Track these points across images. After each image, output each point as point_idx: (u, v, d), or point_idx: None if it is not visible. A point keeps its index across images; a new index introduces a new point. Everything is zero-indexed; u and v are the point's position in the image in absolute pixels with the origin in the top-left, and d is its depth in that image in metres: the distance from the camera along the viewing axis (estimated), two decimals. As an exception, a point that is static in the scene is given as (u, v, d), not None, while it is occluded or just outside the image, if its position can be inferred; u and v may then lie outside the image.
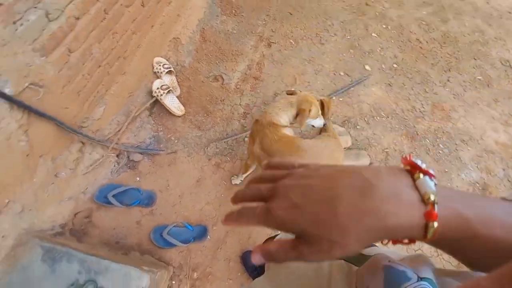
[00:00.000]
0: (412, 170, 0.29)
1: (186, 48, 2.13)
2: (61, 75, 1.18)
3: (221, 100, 2.03)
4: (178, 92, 1.95)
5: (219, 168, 1.75)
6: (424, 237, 0.27)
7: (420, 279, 0.32)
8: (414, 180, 0.29)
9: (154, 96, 1.82)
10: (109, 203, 1.45)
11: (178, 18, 2.14)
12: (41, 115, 1.11)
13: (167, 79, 1.91)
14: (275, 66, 2.25)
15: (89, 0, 1.22)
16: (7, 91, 0.94)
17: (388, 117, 2.11)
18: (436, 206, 0.26)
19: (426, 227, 0.26)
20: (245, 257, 1.50)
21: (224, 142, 1.83)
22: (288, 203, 0.29)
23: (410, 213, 0.26)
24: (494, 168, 1.97)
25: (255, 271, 1.41)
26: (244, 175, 1.65)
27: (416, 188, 0.28)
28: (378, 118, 2.09)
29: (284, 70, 2.24)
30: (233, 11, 2.48)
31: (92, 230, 1.42)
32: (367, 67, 2.32)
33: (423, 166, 0.29)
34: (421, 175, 0.28)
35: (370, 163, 1.90)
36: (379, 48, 2.45)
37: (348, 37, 2.49)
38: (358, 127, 2.04)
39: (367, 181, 0.28)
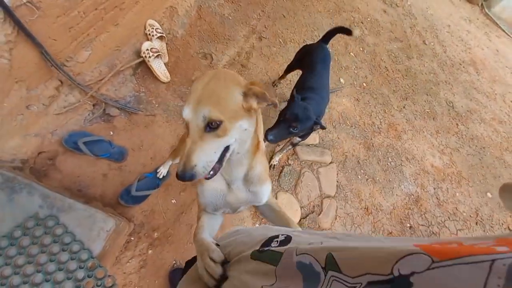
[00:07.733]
0: None
1: (181, 20, 2.14)
2: (59, 4, 1.14)
3: (206, 78, 2.07)
4: (166, 59, 1.95)
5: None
6: None
7: (325, 271, 0.33)
8: None
9: (142, 57, 1.79)
10: (78, 149, 1.40)
11: (179, -12, 2.14)
12: (30, 37, 1.05)
13: (157, 44, 1.90)
14: (262, 59, 2.37)
15: None
16: (6, 0, 0.89)
17: (352, 126, 2.36)
18: None
19: None
20: (173, 276, 1.38)
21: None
22: None
23: None
24: (427, 185, 2.33)
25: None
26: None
27: None
28: (343, 125, 2.33)
29: (270, 64, 2.37)
30: (232, -2, 2.55)
31: (53, 173, 1.35)
32: (342, 80, 2.57)
33: None
34: None
35: (331, 162, 2.11)
36: (354, 67, 2.73)
37: (330, 50, 2.73)
38: (326, 129, 2.25)
39: None
